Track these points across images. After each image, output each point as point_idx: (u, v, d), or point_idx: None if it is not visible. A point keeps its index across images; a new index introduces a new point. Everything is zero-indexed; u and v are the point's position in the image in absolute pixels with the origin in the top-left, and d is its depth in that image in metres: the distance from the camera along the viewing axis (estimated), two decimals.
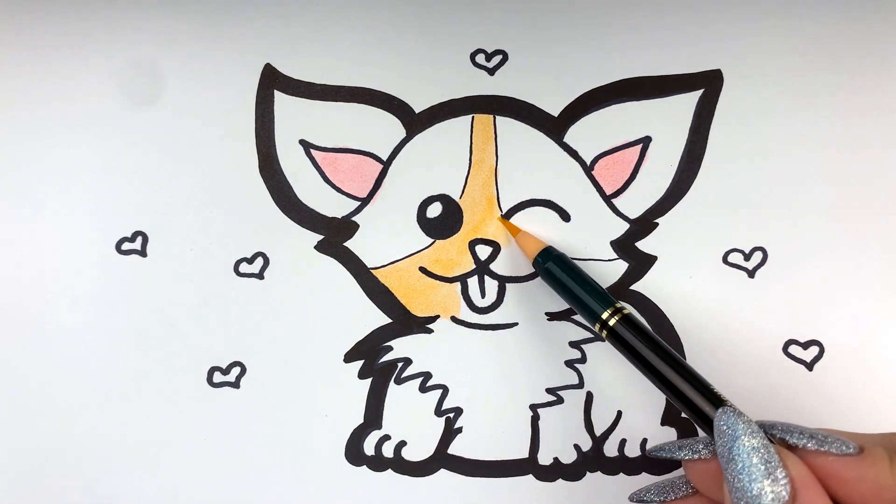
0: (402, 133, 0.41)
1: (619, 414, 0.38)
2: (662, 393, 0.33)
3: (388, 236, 0.40)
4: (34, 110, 0.42)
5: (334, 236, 0.40)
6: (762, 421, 0.29)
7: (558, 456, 0.38)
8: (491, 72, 0.41)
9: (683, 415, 0.38)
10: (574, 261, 0.37)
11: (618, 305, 0.35)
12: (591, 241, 0.40)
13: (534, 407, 0.38)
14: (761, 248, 0.39)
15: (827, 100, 0.40)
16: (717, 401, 0.31)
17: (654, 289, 0.39)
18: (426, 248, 0.40)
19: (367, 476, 0.38)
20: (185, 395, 0.39)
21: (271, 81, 0.42)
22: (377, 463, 0.38)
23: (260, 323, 0.40)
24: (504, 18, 0.42)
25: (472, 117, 0.41)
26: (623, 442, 0.38)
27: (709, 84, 0.40)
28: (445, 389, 0.39)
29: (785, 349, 0.38)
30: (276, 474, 0.38)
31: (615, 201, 0.40)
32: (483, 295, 0.39)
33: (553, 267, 0.37)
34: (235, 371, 0.39)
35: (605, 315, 0.34)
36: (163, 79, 0.42)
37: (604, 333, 0.35)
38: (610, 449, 0.38)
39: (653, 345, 0.33)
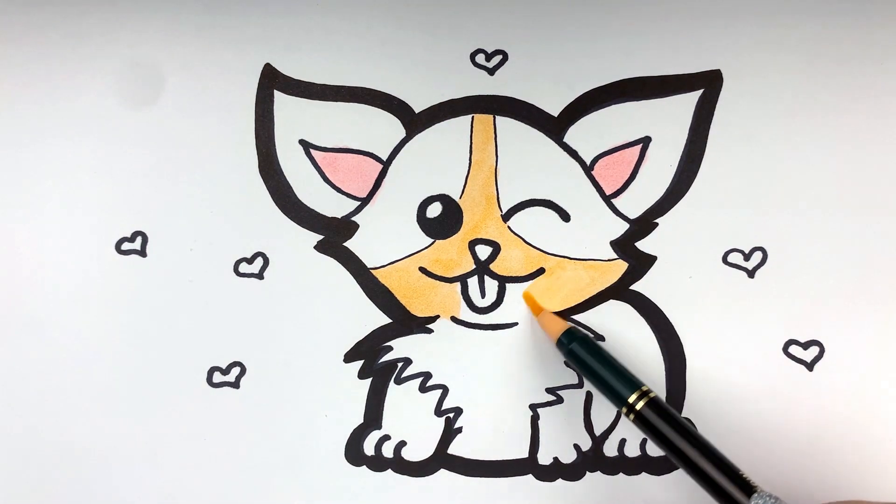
0: (402, 133, 0.41)
1: (619, 414, 0.38)
2: (689, 476, 0.33)
3: (388, 236, 0.40)
4: (34, 110, 0.42)
5: (334, 236, 0.40)
6: None
7: (558, 456, 0.38)
8: (491, 72, 0.41)
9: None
10: (598, 343, 0.37)
11: (644, 389, 0.34)
12: (591, 241, 0.40)
13: (534, 407, 0.38)
14: (761, 248, 0.39)
15: (827, 100, 0.40)
16: (747, 487, 0.31)
17: (654, 289, 0.39)
18: (426, 248, 0.40)
19: (366, 476, 0.38)
20: (185, 395, 0.39)
21: (271, 81, 0.42)
22: (377, 463, 0.38)
23: (260, 323, 0.40)
24: (504, 18, 0.42)
25: (472, 117, 0.41)
26: (623, 442, 0.38)
27: (709, 84, 0.40)
28: (445, 389, 0.39)
29: (785, 349, 0.38)
30: (276, 474, 0.38)
31: (615, 201, 0.40)
32: (483, 295, 0.39)
33: (577, 349, 0.36)
34: (235, 371, 0.39)
35: (631, 399, 0.34)
36: (163, 79, 0.42)
37: (630, 417, 0.34)
38: (610, 449, 0.38)
39: (680, 429, 0.33)
